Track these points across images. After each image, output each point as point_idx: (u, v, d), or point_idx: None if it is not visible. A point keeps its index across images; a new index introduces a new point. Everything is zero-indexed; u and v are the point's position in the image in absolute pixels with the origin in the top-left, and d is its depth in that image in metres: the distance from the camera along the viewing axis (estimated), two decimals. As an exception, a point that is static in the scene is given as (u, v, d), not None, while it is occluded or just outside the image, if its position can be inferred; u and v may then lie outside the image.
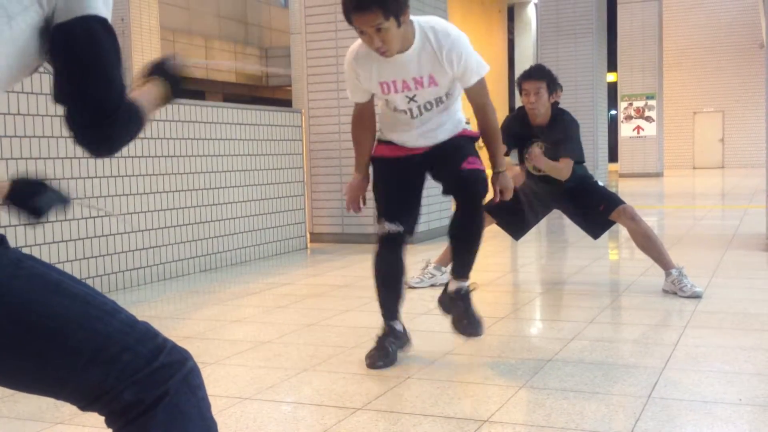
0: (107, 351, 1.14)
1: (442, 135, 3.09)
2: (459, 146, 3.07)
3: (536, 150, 4.43)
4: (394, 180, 3.12)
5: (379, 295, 3.18)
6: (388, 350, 3.09)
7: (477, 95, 3.02)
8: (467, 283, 3.20)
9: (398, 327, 3.17)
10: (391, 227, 3.05)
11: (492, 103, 3.11)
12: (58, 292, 1.14)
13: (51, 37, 1.15)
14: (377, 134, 3.21)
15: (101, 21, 1.15)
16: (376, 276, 3.15)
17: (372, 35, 2.72)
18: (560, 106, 4.58)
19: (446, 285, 3.30)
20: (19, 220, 1.48)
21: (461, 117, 3.16)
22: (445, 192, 3.11)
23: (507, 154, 4.53)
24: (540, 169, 4.50)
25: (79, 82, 1.14)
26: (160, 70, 1.45)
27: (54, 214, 1.49)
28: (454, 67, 2.89)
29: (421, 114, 3.02)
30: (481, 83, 3.00)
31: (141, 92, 1.38)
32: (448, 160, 3.03)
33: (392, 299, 3.17)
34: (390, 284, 3.15)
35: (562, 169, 4.46)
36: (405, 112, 3.03)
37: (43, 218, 1.46)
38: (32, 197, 1.45)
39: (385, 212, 3.10)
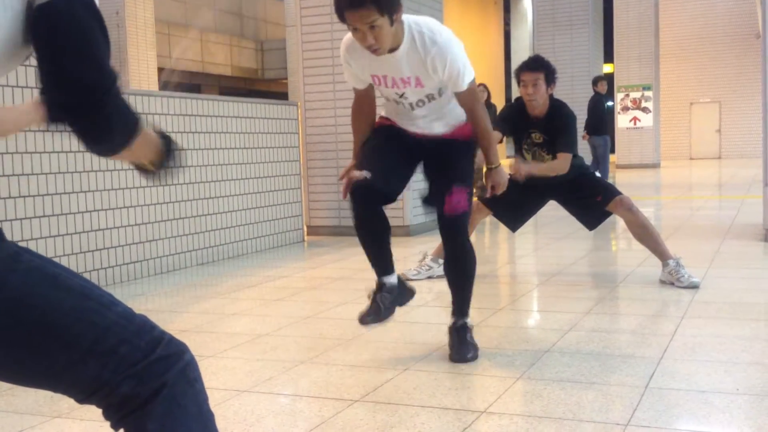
0: (104, 343, 1.14)
1: (439, 128, 3.07)
2: (451, 161, 3.05)
3: (522, 167, 4.33)
4: (383, 138, 3.07)
5: (367, 255, 3.10)
6: (379, 306, 3.04)
7: (465, 101, 2.99)
8: (464, 319, 3.13)
9: (390, 281, 3.09)
10: (355, 173, 2.88)
11: (483, 106, 3.08)
12: (55, 286, 1.14)
13: (32, 19, 1.09)
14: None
15: (84, 1, 1.11)
16: (359, 238, 3.05)
17: (365, 32, 2.69)
18: (556, 97, 4.56)
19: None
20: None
21: (462, 111, 3.09)
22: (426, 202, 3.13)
23: (501, 141, 4.49)
24: (533, 175, 4.42)
25: (65, 63, 1.09)
26: (165, 139, 1.36)
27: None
28: (438, 74, 2.85)
29: (413, 110, 3.01)
30: (469, 90, 2.95)
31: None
32: (438, 174, 3.05)
33: (379, 256, 3.08)
34: (373, 243, 3.05)
35: (558, 167, 4.42)
36: (398, 103, 3.03)
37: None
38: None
39: (360, 163, 2.99)
